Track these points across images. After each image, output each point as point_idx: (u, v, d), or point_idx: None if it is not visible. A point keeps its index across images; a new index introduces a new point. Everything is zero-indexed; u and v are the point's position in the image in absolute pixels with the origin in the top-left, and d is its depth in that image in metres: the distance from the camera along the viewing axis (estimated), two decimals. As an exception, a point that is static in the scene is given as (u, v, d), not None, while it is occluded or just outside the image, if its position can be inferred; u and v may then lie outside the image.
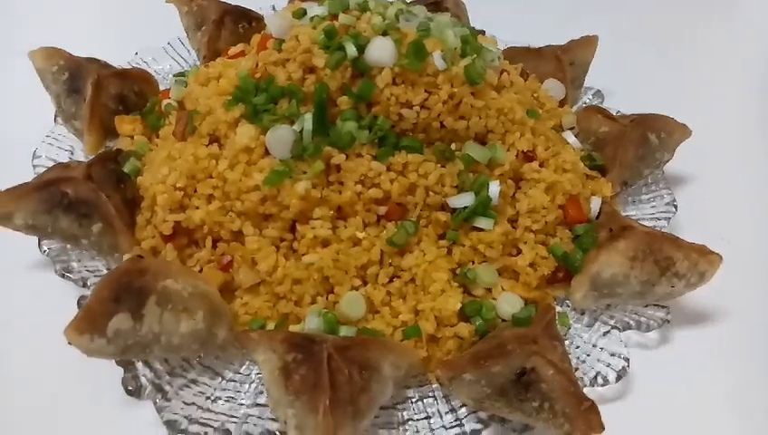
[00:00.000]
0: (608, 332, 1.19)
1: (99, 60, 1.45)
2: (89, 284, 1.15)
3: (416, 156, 1.17)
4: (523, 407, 1.02)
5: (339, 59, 1.16)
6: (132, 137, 1.39)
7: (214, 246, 1.18)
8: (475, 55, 1.22)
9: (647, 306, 1.23)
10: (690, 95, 1.81)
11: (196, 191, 1.21)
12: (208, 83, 1.39)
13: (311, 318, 1.10)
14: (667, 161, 1.47)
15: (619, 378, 1.11)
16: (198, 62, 1.67)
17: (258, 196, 1.15)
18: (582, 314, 1.23)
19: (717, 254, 1.17)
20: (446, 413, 1.07)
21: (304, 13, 1.29)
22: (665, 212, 1.41)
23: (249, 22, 1.67)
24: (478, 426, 1.04)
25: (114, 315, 0.96)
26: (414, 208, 1.17)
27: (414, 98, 1.17)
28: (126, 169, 1.28)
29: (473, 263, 1.18)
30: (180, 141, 1.30)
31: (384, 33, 1.20)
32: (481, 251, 1.18)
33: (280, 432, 1.00)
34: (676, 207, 1.41)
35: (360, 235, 1.15)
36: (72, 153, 1.41)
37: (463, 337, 1.11)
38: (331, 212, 1.16)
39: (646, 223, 1.36)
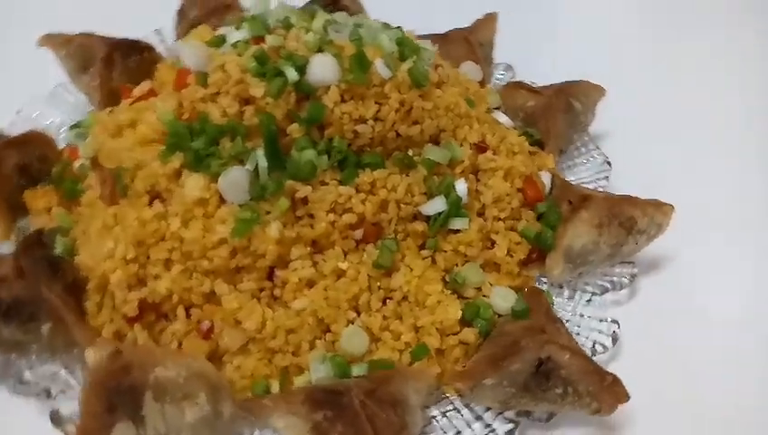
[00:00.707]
0: (589, 299, 1.24)
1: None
2: (53, 394, 1.00)
3: (380, 171, 1.13)
4: (547, 397, 1.03)
5: (280, 85, 1.08)
6: (49, 210, 1.21)
7: (187, 315, 1.06)
8: (415, 57, 1.18)
9: (613, 266, 1.29)
10: (592, 53, 1.88)
11: (148, 259, 1.08)
12: (121, 133, 1.24)
13: (316, 366, 1.03)
14: (591, 123, 1.54)
15: (614, 341, 1.16)
16: (90, 109, 1.49)
17: (227, 250, 1.05)
18: (561, 287, 1.27)
19: (669, 204, 1.25)
20: (475, 422, 1.06)
21: (223, 40, 1.19)
22: (602, 171, 1.47)
23: (140, 53, 1.51)
24: (509, 426, 1.04)
25: (113, 428, 0.85)
26: (389, 225, 1.13)
27: (366, 112, 1.12)
28: (57, 250, 1.12)
29: (456, 266, 1.17)
30: (111, 205, 1.16)
31: (319, 50, 1.13)
32: (462, 252, 1.17)
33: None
34: (609, 163, 1.48)
35: (344, 265, 1.09)
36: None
37: (468, 342, 1.10)
38: (308, 249, 1.09)
39: (588, 185, 1.42)
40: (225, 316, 1.06)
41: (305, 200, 1.09)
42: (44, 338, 1.01)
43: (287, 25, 1.19)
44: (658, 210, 1.24)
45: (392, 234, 1.13)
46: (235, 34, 1.18)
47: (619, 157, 1.49)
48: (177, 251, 1.07)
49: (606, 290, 1.25)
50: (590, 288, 1.26)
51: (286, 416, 0.94)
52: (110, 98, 1.43)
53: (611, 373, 1.02)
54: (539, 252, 1.25)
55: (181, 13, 1.65)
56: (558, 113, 1.46)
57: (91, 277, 1.09)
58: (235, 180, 1.07)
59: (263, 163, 1.07)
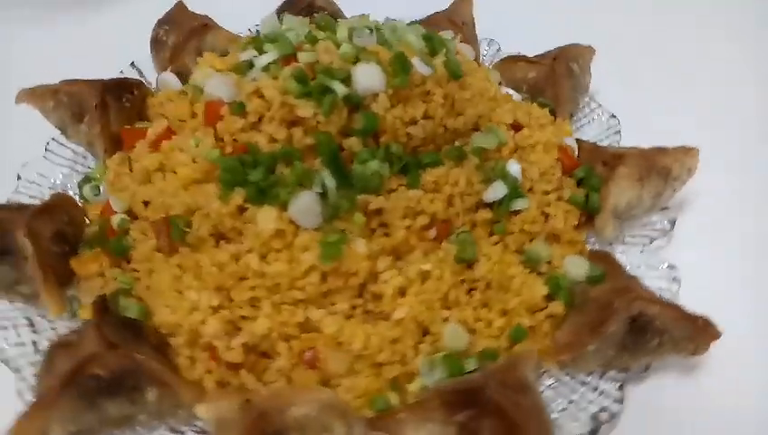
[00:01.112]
0: (641, 250, 1.30)
1: (6, 205, 1.16)
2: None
3: (440, 168, 1.14)
4: (646, 349, 1.09)
5: (331, 101, 1.06)
6: (100, 274, 1.14)
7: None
8: (444, 49, 1.19)
9: (650, 214, 1.36)
10: (569, 18, 1.92)
11: (231, 301, 1.05)
12: (150, 178, 1.19)
13: (428, 371, 1.04)
14: (589, 83, 1.60)
15: (678, 284, 1.23)
16: (94, 159, 1.40)
17: (317, 276, 1.03)
18: (610, 244, 1.32)
19: (694, 147, 1.33)
20: (581, 387, 1.09)
21: (251, 65, 1.15)
22: (611, 127, 1.54)
23: (130, 91, 1.44)
24: (617, 384, 1.08)
25: (274, 477, 0.83)
26: (457, 218, 1.15)
27: (416, 112, 1.12)
28: (130, 313, 1.06)
29: (524, 245, 1.20)
30: (171, 256, 1.11)
31: (356, 59, 1.11)
32: (527, 231, 1.20)
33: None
34: (616, 117, 1.55)
35: (427, 267, 1.09)
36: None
37: (556, 315, 1.14)
38: (391, 258, 1.09)
39: (602, 143, 1.49)
40: (326, 342, 1.04)
41: (378, 211, 1.08)
42: (151, 405, 0.97)
43: (312, 40, 1.16)
44: (687, 155, 1.32)
45: (462, 226, 1.15)
46: (262, 58, 1.14)
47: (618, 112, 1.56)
48: (261, 288, 1.04)
49: (654, 239, 1.32)
50: (636, 239, 1.32)
51: (425, 424, 0.95)
52: (117, 144, 1.36)
53: (701, 315, 1.08)
54: (587, 215, 1.29)
55: (157, 42, 1.57)
56: (562, 79, 1.50)
57: (178, 333, 1.04)
58: (306, 205, 1.05)
59: (330, 183, 1.05)
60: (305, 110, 1.07)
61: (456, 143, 1.19)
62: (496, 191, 1.16)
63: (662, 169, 1.30)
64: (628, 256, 1.29)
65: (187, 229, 1.10)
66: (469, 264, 1.13)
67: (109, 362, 0.95)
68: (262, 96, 1.11)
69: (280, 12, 1.65)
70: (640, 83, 1.73)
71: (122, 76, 1.51)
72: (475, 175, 1.17)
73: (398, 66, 1.10)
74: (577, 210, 1.28)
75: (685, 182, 1.34)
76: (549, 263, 1.20)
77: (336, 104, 1.07)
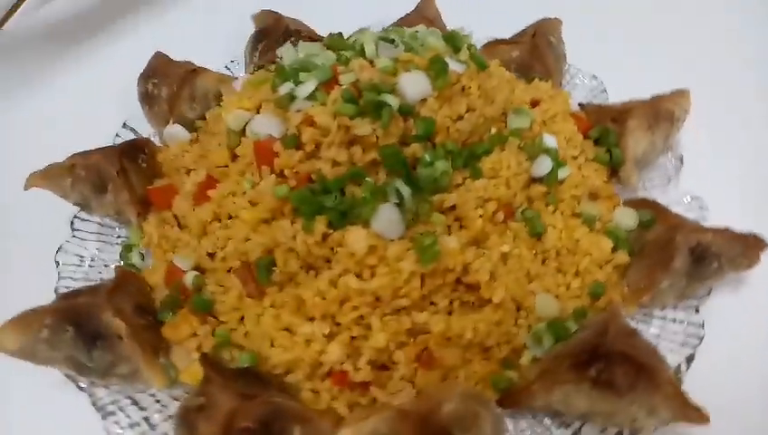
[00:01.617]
0: (663, 190, 1.42)
1: (78, 291, 1.12)
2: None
3: (492, 156, 1.20)
4: (708, 274, 1.20)
5: (389, 115, 1.10)
6: (193, 335, 1.12)
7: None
8: (465, 44, 1.25)
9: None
10: None
11: (339, 325, 1.07)
12: (206, 230, 1.19)
13: (536, 344, 1.11)
14: (565, 51, 1.71)
15: (707, 210, 1.35)
16: (121, 226, 1.37)
17: (417, 281, 1.07)
18: (635, 192, 1.43)
19: (686, 89, 1.46)
20: (664, 322, 1.19)
21: (291, 97, 1.16)
22: (596, 87, 1.66)
23: (142, 151, 1.41)
24: (694, 310, 1.20)
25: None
26: (515, 198, 1.21)
27: (460, 109, 1.18)
28: (243, 363, 1.06)
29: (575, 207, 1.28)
30: (261, 298, 1.12)
31: (395, 71, 1.16)
32: (575, 195, 1.28)
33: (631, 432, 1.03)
34: (596, 77, 1.67)
35: (506, 248, 1.16)
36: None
37: (622, 263, 1.23)
38: (474, 248, 1.14)
39: (593, 102, 1.60)
40: (437, 340, 1.08)
41: (452, 207, 1.13)
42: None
43: (344, 60, 1.19)
44: (682, 97, 1.45)
45: (521, 204, 1.21)
46: (304, 88, 1.15)
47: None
48: (365, 305, 1.07)
49: (670, 177, 1.44)
50: (655, 182, 1.45)
51: (558, 388, 1.01)
52: (146, 206, 1.33)
53: (748, 233, 1.21)
54: (611, 170, 1.40)
55: (149, 97, 1.53)
56: (547, 52, 1.60)
57: (296, 369, 1.05)
58: (388, 218, 1.09)
59: (405, 191, 1.09)
60: (363, 128, 1.10)
61: (493, 129, 1.26)
62: (543, 165, 1.24)
63: (666, 113, 1.42)
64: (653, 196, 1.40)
65: (274, 269, 1.11)
66: (539, 237, 1.20)
67: (252, 412, 0.95)
68: (312, 124, 1.13)
69: (257, 42, 1.66)
70: (609, 44, 1.84)
71: (131, 138, 1.46)
72: (520, 155, 1.24)
73: (438, 68, 1.15)
74: (604, 167, 1.37)
75: (684, 121, 1.47)
76: (599, 220, 1.29)
77: (393, 116, 1.10)
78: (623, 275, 1.24)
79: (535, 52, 1.60)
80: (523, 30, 1.68)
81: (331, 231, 1.10)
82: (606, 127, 1.42)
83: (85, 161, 1.32)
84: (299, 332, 1.05)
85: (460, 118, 1.18)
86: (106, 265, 1.31)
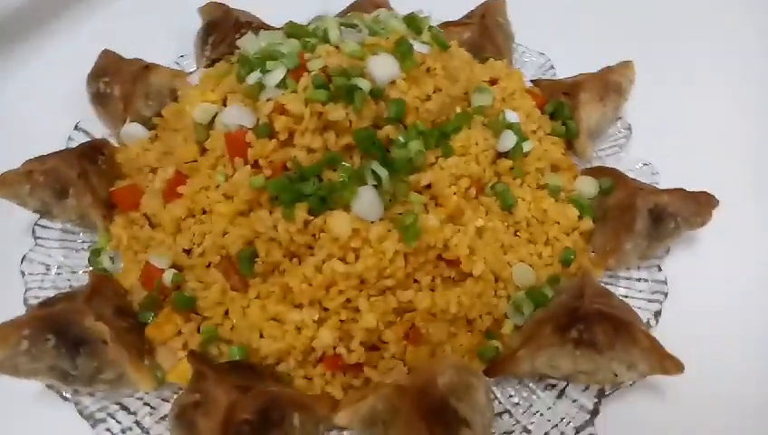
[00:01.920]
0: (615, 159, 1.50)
1: (53, 299, 1.08)
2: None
3: (460, 133, 1.23)
4: (666, 233, 1.28)
5: (362, 98, 1.11)
6: (178, 333, 1.11)
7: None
8: (427, 26, 1.27)
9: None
10: None
11: (327, 310, 1.09)
12: (180, 227, 1.18)
13: (517, 313, 1.15)
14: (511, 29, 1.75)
15: (658, 174, 1.43)
16: (84, 231, 1.32)
17: (401, 260, 1.10)
18: (589, 162, 1.50)
19: (630, 61, 1.54)
20: (636, 283, 1.26)
21: (260, 86, 1.15)
22: (544, 64, 1.72)
23: (101, 152, 1.37)
24: (656, 268, 1.27)
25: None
26: (484, 174, 1.25)
27: (428, 89, 1.21)
28: (234, 356, 1.06)
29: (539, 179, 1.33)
30: (246, 290, 1.11)
31: (362, 55, 1.17)
32: (539, 167, 1.33)
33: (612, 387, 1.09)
34: (543, 54, 1.73)
35: (480, 223, 1.19)
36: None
37: (587, 229, 1.29)
38: (450, 224, 1.17)
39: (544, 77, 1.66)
40: (423, 316, 1.11)
41: (427, 186, 1.16)
42: (298, 430, 0.98)
43: (309, 47, 1.19)
44: (627, 68, 1.52)
45: (494, 179, 1.25)
46: (272, 76, 1.14)
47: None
48: (351, 288, 1.09)
49: (621, 147, 1.52)
50: (607, 152, 1.52)
51: (543, 352, 1.06)
52: (110, 206, 1.30)
53: (701, 191, 1.29)
54: (567, 142, 1.46)
55: (101, 96, 1.48)
56: (497, 32, 1.65)
57: (288, 357, 1.06)
58: (368, 200, 1.10)
59: (383, 173, 1.11)
60: (336, 113, 1.11)
61: (458, 108, 1.29)
62: (508, 141, 1.28)
63: (615, 84, 1.49)
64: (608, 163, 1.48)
65: (256, 260, 1.11)
66: (510, 209, 1.24)
67: (250, 404, 0.95)
68: (283, 112, 1.13)
69: (207, 35, 1.63)
70: (552, 20, 1.90)
71: (86, 140, 1.42)
72: (485, 132, 1.27)
73: (404, 50, 1.17)
74: (561, 140, 1.43)
75: (629, 92, 1.54)
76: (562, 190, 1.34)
77: (365, 100, 1.12)
78: (588, 240, 1.30)
79: (485, 32, 1.64)
80: (471, 11, 1.71)
81: (312, 217, 1.10)
82: (560, 101, 1.48)
83: (43, 166, 1.28)
84: (288, 320, 1.06)
85: (428, 98, 1.20)
86: (74, 272, 1.27)
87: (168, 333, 1.10)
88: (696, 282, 1.28)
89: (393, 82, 1.16)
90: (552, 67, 1.70)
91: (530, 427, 1.07)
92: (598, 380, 1.08)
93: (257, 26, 1.65)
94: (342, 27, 1.22)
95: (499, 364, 1.10)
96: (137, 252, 1.24)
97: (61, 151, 1.34)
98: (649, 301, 1.23)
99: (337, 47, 1.20)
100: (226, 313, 1.13)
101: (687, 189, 1.29)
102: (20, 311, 1.16)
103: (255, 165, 1.15)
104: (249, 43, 1.25)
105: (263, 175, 1.12)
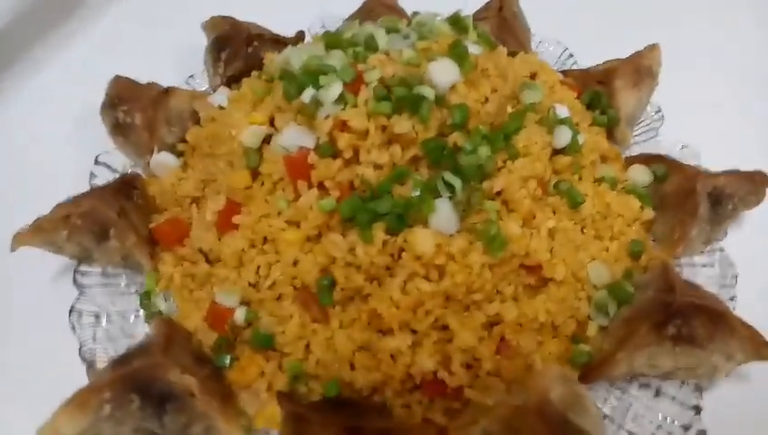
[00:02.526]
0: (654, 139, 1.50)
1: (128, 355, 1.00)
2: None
3: (520, 133, 1.19)
4: (726, 216, 1.28)
5: (428, 108, 1.06)
6: (261, 374, 1.05)
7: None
8: (470, 26, 1.23)
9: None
10: None
11: (415, 333, 1.04)
12: (241, 262, 1.12)
13: (601, 313, 1.13)
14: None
15: (700, 154, 1.43)
16: (128, 271, 1.24)
17: (488, 273, 1.06)
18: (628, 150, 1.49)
19: (656, 44, 1.52)
20: (698, 268, 1.26)
21: (318, 103, 1.09)
22: (563, 52, 1.69)
23: (134, 186, 1.29)
24: (719, 253, 1.27)
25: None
26: (545, 171, 1.22)
27: (486, 91, 1.17)
28: (330, 392, 1.00)
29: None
30: (326, 321, 1.06)
31: (417, 61, 1.12)
32: (593, 160, 1.31)
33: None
34: (560, 42, 1.70)
35: (552, 224, 1.16)
36: None
37: (649, 219, 1.27)
38: (527, 228, 1.13)
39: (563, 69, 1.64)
40: (511, 328, 1.07)
41: (500, 192, 1.12)
42: None
43: (360, 57, 1.14)
44: (655, 51, 1.51)
45: (550, 177, 1.22)
46: (329, 92, 1.08)
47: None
48: (438, 307, 1.04)
49: (656, 130, 1.51)
50: (641, 137, 1.51)
51: (644, 350, 1.04)
52: (151, 243, 1.22)
53: (755, 170, 1.29)
54: (608, 131, 1.44)
55: (121, 127, 1.38)
56: (516, 24, 1.62)
57: (387, 386, 1.01)
58: (446, 213, 1.06)
59: (457, 183, 1.07)
60: (402, 125, 1.06)
61: (509, 108, 1.25)
62: (563, 136, 1.24)
63: (646, 69, 1.48)
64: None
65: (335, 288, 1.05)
66: (577, 207, 1.21)
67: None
68: (345, 129, 1.08)
69: (218, 51, 1.55)
70: (559, 9, 1.88)
71: (117, 176, 1.33)
72: (540, 129, 1.24)
73: (460, 53, 1.12)
74: (602, 130, 1.41)
75: (659, 75, 1.54)
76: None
77: (431, 109, 1.07)
78: (648, 230, 1.29)
79: (504, 25, 1.60)
80: (486, 4, 1.68)
81: (389, 237, 1.05)
82: (597, 91, 1.46)
83: (79, 209, 1.18)
84: (380, 348, 1.01)
85: (486, 101, 1.16)
86: (124, 317, 1.18)
87: (252, 376, 1.03)
88: (756, 259, 1.28)
89: (453, 87, 1.11)
90: (572, 56, 1.68)
91: (634, 430, 1.05)
92: (698, 374, 1.07)
93: (270, 39, 1.58)
94: (392, 35, 1.17)
95: (596, 369, 1.07)
96: (192, 290, 1.17)
97: (93, 191, 1.26)
98: (722, 286, 1.22)
99: (386, 54, 1.15)
100: (307, 346, 1.06)
101: (742, 170, 1.29)
102: (76, 366, 1.08)
103: (320, 187, 1.08)
104: (295, 58, 1.18)
105: (332, 197, 1.06)
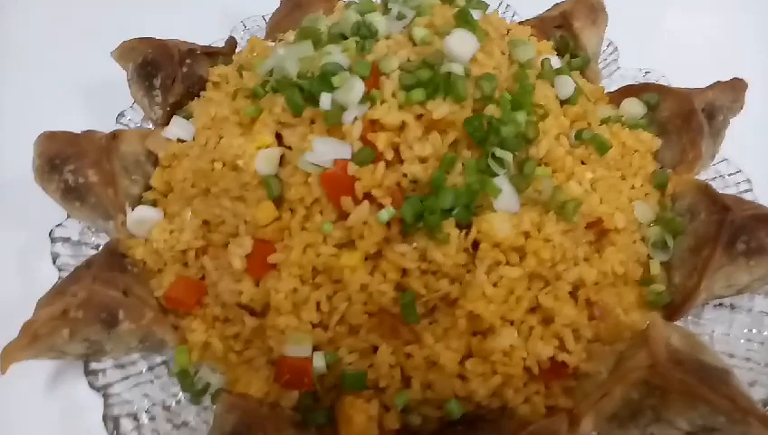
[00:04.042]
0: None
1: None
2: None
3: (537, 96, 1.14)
4: (719, 126, 1.31)
5: (463, 84, 0.98)
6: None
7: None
8: (464, -1, 1.16)
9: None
10: None
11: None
12: (305, 297, 0.98)
13: (661, 250, 1.12)
14: None
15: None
16: (146, 353, 1.05)
17: (568, 242, 1.00)
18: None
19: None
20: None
21: (340, 109, 0.97)
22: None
23: (123, 254, 1.10)
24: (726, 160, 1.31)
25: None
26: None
27: (499, 56, 1.10)
28: (455, 415, 0.91)
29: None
30: (418, 339, 0.95)
31: (430, 39, 1.03)
32: (592, 101, 1.29)
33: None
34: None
35: (590, 175, 1.13)
36: None
37: (657, 146, 1.27)
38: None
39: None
40: (592, 289, 1.03)
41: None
42: None
43: (368, 49, 1.03)
44: None
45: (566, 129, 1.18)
46: (351, 93, 0.96)
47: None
48: (521, 289, 0.98)
49: (616, 65, 1.53)
50: (605, 72, 1.53)
51: (721, 273, 1.04)
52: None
53: (732, 78, 1.33)
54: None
55: (72, 190, 1.16)
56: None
57: (506, 388, 0.93)
58: (507, 191, 0.99)
59: (508, 158, 1.00)
60: (441, 108, 0.97)
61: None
62: (566, 86, 1.21)
63: (599, 4, 1.49)
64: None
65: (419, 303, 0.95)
66: (603, 153, 1.18)
67: None
68: (376, 129, 0.97)
69: (149, 78, 1.36)
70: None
71: (104, 249, 1.11)
72: (543, 84, 1.20)
73: (470, 21, 1.05)
74: (578, 73, 1.40)
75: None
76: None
77: (464, 85, 0.98)
78: (656, 159, 1.30)
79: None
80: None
81: (461, 231, 0.96)
82: (563, 36, 1.44)
83: (75, 299, 0.97)
84: (490, 349, 0.92)
85: (499, 65, 1.10)
86: (167, 409, 1.00)
87: (362, 424, 0.90)
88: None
89: (473, 59, 1.04)
90: (509, 6, 1.66)
91: (725, 349, 1.05)
92: (771, 280, 1.09)
93: (203, 51, 1.41)
94: (388, 18, 1.07)
95: (681, 305, 1.06)
96: (240, 352, 1.01)
97: (78, 273, 1.04)
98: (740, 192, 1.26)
99: (387, 38, 1.05)
100: (402, 372, 0.95)
101: (722, 80, 1.33)
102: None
103: (367, 198, 0.96)
104: (289, 64, 1.03)
105: (390, 207, 0.94)
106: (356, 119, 0.97)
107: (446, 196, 0.95)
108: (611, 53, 1.56)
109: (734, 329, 1.08)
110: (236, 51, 1.46)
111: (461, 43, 1.01)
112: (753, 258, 1.04)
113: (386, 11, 1.11)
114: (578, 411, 0.94)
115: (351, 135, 0.96)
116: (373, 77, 0.99)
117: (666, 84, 1.38)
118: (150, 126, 1.39)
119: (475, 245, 0.97)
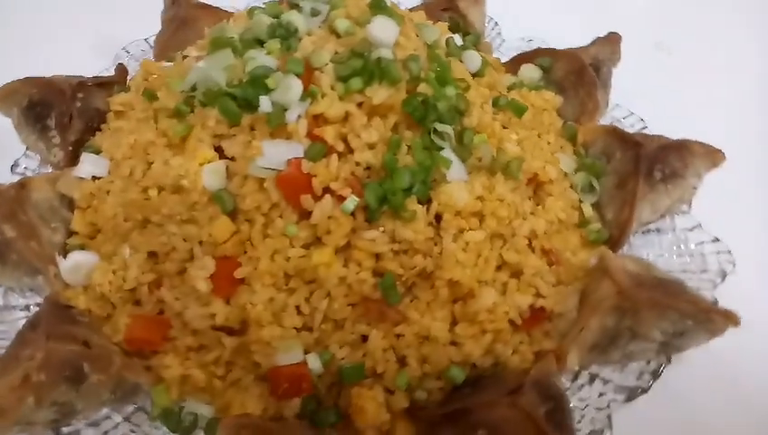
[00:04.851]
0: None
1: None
2: None
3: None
4: (604, 79, 1.44)
5: (397, 68, 1.01)
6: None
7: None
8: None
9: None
10: None
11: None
12: (283, 304, 0.96)
13: (590, 192, 1.21)
14: None
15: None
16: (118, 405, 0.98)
17: (519, 199, 1.07)
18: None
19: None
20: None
21: (282, 107, 0.96)
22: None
23: (65, 306, 1.00)
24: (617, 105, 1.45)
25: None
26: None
27: (415, 39, 1.14)
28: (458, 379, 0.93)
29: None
30: (404, 318, 0.97)
31: (352, 30, 1.05)
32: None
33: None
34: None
35: (515, 136, 1.20)
36: None
37: (560, 104, 1.39)
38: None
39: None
40: (545, 239, 1.10)
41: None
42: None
43: (294, 47, 1.02)
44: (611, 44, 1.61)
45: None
46: (289, 92, 0.95)
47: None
48: (488, 249, 1.03)
49: (499, 35, 1.64)
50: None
51: (646, 202, 1.16)
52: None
53: (609, 32, 1.47)
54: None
55: None
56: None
57: (502, 336, 0.97)
58: (457, 163, 1.04)
59: (449, 131, 1.04)
60: (380, 93, 0.99)
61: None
62: (475, 60, 1.28)
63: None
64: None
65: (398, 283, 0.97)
66: (521, 115, 1.26)
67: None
68: (321, 123, 0.97)
69: (41, 119, 1.28)
70: None
71: (46, 304, 1.01)
72: (453, 60, 1.25)
73: (385, 8, 1.08)
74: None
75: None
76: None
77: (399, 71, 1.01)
78: (559, 114, 1.41)
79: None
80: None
81: (423, 206, 0.99)
82: (453, 17, 1.52)
83: (35, 362, 0.88)
84: (475, 311, 0.96)
85: (417, 46, 1.14)
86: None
87: (375, 411, 0.90)
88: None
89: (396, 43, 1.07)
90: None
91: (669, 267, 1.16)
92: (685, 200, 1.21)
93: (93, 84, 1.33)
94: (305, 13, 1.07)
95: (618, 237, 1.16)
96: (223, 376, 0.97)
97: (23, 336, 0.94)
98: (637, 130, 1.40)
99: (309, 35, 1.05)
100: (396, 354, 0.96)
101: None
102: None
103: (326, 192, 0.96)
104: (215, 77, 1.00)
105: (353, 196, 0.95)
106: (299, 117, 0.96)
107: (403, 176, 0.97)
108: (493, 28, 1.66)
109: (665, 249, 1.20)
110: (128, 77, 1.39)
111: (383, 30, 1.04)
112: (670, 182, 1.17)
113: (297, 9, 1.11)
114: (561, 350, 1.00)
115: (299, 133, 0.96)
116: (307, 73, 0.99)
117: (552, 47, 1.49)
118: (50, 170, 1.29)
119: (437, 218, 1.00)
